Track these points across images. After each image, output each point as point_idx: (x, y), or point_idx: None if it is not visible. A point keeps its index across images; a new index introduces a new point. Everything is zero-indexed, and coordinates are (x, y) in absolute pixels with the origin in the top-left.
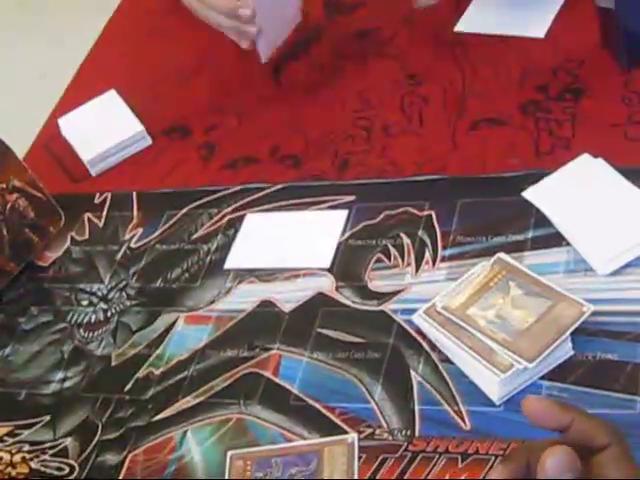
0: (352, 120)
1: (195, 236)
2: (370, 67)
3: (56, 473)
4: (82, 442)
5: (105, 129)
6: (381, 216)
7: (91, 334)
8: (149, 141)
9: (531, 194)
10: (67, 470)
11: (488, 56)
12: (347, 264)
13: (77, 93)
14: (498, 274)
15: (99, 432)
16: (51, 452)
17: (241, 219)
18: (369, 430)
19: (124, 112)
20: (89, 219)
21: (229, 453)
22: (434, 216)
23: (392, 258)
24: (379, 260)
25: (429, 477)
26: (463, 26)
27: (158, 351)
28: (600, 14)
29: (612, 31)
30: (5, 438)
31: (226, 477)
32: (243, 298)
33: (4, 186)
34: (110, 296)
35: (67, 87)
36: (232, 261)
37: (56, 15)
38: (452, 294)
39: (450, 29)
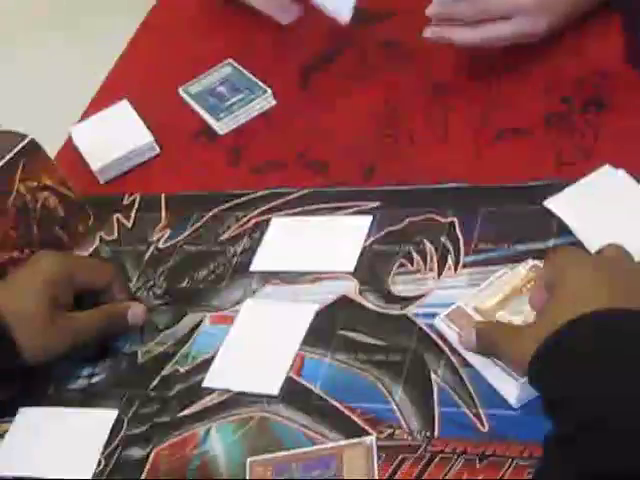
0: (378, 128)
1: (222, 238)
2: (396, 76)
3: None
4: (108, 436)
5: (115, 139)
6: (405, 222)
7: None
8: (157, 150)
9: (553, 204)
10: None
11: (513, 67)
12: (371, 268)
13: (108, 94)
14: (532, 280)
15: (124, 427)
16: None
17: (267, 222)
18: (389, 430)
19: (135, 122)
20: (118, 219)
21: (249, 460)
22: (457, 223)
23: (415, 263)
24: (402, 265)
25: (447, 477)
26: None
27: (184, 349)
28: (624, 27)
29: (636, 46)
30: None
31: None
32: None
33: (36, 184)
34: (138, 295)
35: (99, 88)
36: (258, 263)
37: (90, 16)
38: (482, 297)
39: None
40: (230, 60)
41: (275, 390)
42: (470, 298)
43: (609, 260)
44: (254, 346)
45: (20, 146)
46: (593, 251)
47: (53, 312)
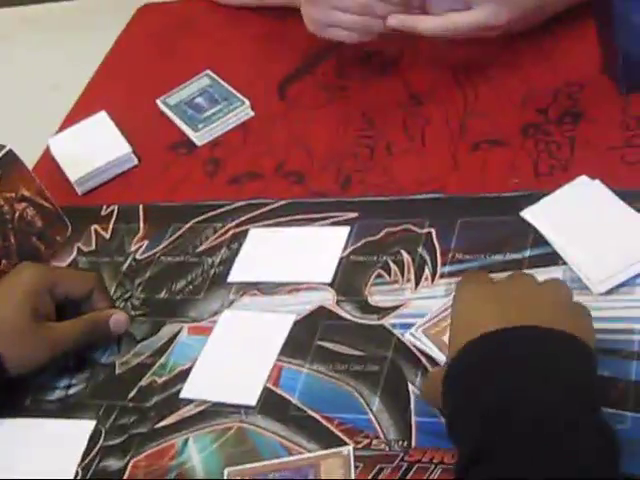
0: (355, 139)
1: (200, 249)
2: (373, 87)
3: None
4: (86, 447)
5: (93, 150)
6: (382, 233)
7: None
8: (135, 161)
9: (529, 214)
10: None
11: (490, 78)
12: (348, 279)
13: (86, 105)
14: None
15: (102, 438)
16: None
17: (245, 233)
18: (366, 440)
19: (113, 133)
20: (96, 230)
21: (226, 470)
22: (434, 234)
23: (392, 274)
24: (379, 276)
25: None
26: None
27: (161, 360)
28: (600, 38)
29: (611, 56)
30: None
31: None
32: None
33: (13, 195)
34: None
35: (77, 99)
36: (235, 274)
37: (67, 28)
38: (434, 321)
39: (452, 51)
40: (208, 71)
41: (253, 401)
42: (422, 323)
43: (502, 281)
44: (232, 357)
45: None
46: (570, 262)
47: (34, 323)
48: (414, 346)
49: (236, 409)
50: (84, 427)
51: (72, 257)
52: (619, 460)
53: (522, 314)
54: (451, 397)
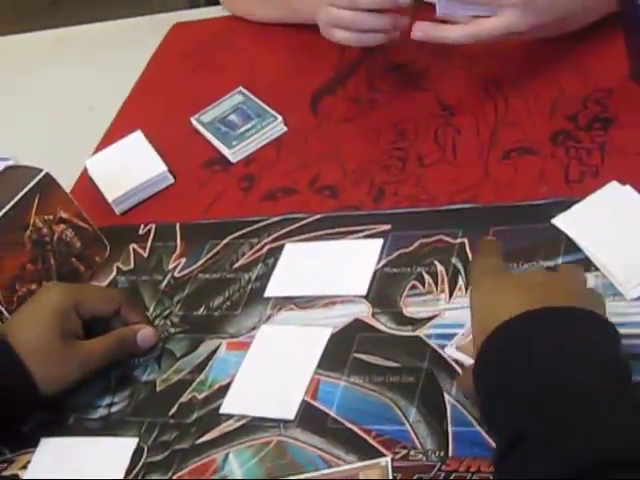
0: (387, 151)
1: (236, 265)
2: (404, 99)
3: None
4: (129, 464)
5: (129, 170)
6: (416, 244)
7: (137, 360)
8: (171, 180)
9: (561, 221)
10: None
11: (519, 87)
12: (383, 291)
13: (122, 125)
14: None
15: (145, 454)
16: None
17: (281, 248)
18: (404, 451)
19: (148, 152)
20: (134, 249)
21: None
22: (467, 244)
23: (426, 285)
24: (414, 287)
25: None
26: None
27: (201, 376)
28: (627, 43)
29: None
30: None
31: None
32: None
33: (51, 217)
34: (155, 324)
35: (113, 120)
36: (272, 289)
37: (103, 49)
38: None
39: (481, 61)
40: (241, 88)
41: (291, 415)
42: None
43: (517, 272)
44: (270, 371)
45: (35, 180)
46: (602, 268)
47: (62, 342)
48: (453, 359)
49: (275, 423)
50: (127, 445)
51: (112, 277)
52: None
53: (544, 299)
54: (484, 382)
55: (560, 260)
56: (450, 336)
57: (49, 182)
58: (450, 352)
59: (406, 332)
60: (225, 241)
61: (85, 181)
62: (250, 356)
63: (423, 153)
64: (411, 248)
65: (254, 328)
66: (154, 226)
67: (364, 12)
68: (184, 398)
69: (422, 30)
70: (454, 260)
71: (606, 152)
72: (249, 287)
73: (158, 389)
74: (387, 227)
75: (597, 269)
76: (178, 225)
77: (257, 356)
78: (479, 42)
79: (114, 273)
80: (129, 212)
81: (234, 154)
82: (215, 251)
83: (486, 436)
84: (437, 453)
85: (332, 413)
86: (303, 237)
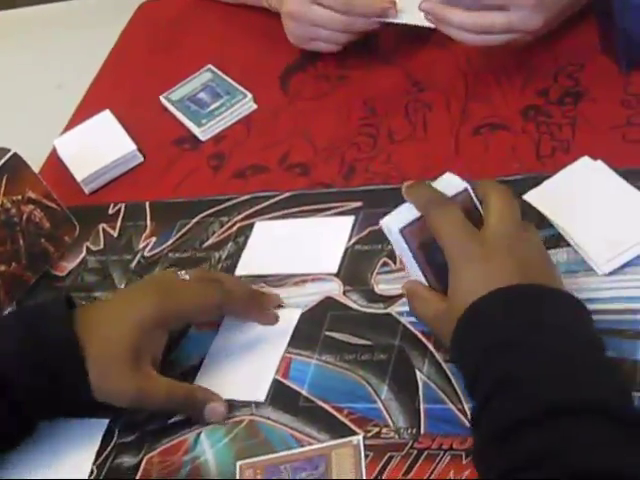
0: (358, 128)
1: (207, 244)
2: (374, 76)
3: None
4: (100, 446)
5: (98, 149)
6: None
7: None
8: (140, 159)
9: (532, 197)
10: None
11: (490, 62)
12: (354, 268)
13: (91, 105)
14: None
15: (116, 435)
16: None
17: (251, 227)
18: (376, 429)
19: (117, 131)
20: (104, 229)
21: (238, 463)
22: None
23: (397, 262)
24: (385, 264)
25: (434, 473)
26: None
27: (171, 357)
28: (598, 18)
29: (611, 35)
30: None
31: None
32: None
33: (20, 198)
34: None
35: (82, 100)
36: (243, 268)
37: (70, 29)
38: None
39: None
40: (210, 66)
41: (262, 397)
42: None
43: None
44: (240, 352)
45: (3, 161)
46: (574, 243)
47: (133, 363)
48: (422, 332)
49: (247, 403)
50: (98, 425)
51: (81, 257)
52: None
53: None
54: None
55: None
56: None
57: (17, 162)
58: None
59: (377, 309)
60: (195, 220)
61: (54, 161)
62: (219, 336)
63: (394, 129)
64: None
65: None
66: (124, 205)
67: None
68: None
69: (428, 4)
70: None
71: (577, 127)
72: (219, 266)
73: None
74: (358, 204)
75: (569, 245)
76: (148, 204)
77: (227, 336)
78: (481, 41)
79: (84, 253)
80: (98, 191)
81: (204, 132)
82: (185, 230)
83: (458, 413)
84: (409, 431)
85: (304, 392)
86: (273, 215)
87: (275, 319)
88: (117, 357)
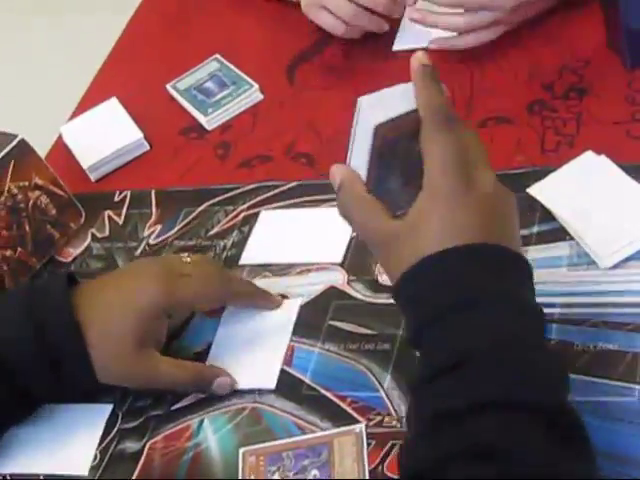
0: None
1: (212, 232)
2: (381, 67)
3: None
4: (103, 430)
5: (104, 136)
6: None
7: None
8: (147, 147)
9: (536, 190)
10: None
11: (496, 55)
12: (358, 258)
13: (97, 92)
14: None
15: (119, 421)
16: None
17: (256, 216)
18: (378, 418)
19: (124, 119)
20: (109, 216)
21: (241, 450)
22: None
23: None
24: None
25: None
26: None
27: (175, 343)
28: (605, 14)
29: (616, 31)
30: None
31: (240, 472)
32: None
33: (27, 184)
34: None
35: (88, 86)
36: (247, 257)
37: (76, 14)
38: None
39: None
40: (217, 55)
41: (272, 385)
42: None
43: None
44: (245, 341)
45: (10, 146)
46: (577, 237)
47: (137, 351)
48: None
49: (250, 390)
50: (101, 411)
51: (86, 243)
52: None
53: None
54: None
55: (535, 229)
56: None
57: (24, 148)
58: None
59: (381, 299)
60: (200, 208)
61: (60, 147)
62: (223, 325)
63: None
64: None
65: None
66: (129, 193)
67: (363, 9)
68: None
69: (418, 13)
70: None
71: (582, 122)
72: (224, 254)
73: None
74: None
75: (572, 238)
76: (153, 192)
77: (229, 325)
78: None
79: (89, 240)
80: (104, 179)
81: (210, 121)
82: (190, 218)
83: None
84: None
85: (307, 380)
86: (278, 205)
87: (278, 302)
88: (120, 340)
